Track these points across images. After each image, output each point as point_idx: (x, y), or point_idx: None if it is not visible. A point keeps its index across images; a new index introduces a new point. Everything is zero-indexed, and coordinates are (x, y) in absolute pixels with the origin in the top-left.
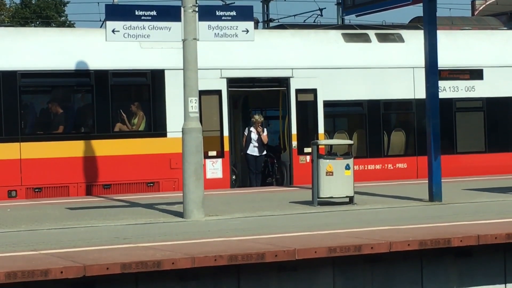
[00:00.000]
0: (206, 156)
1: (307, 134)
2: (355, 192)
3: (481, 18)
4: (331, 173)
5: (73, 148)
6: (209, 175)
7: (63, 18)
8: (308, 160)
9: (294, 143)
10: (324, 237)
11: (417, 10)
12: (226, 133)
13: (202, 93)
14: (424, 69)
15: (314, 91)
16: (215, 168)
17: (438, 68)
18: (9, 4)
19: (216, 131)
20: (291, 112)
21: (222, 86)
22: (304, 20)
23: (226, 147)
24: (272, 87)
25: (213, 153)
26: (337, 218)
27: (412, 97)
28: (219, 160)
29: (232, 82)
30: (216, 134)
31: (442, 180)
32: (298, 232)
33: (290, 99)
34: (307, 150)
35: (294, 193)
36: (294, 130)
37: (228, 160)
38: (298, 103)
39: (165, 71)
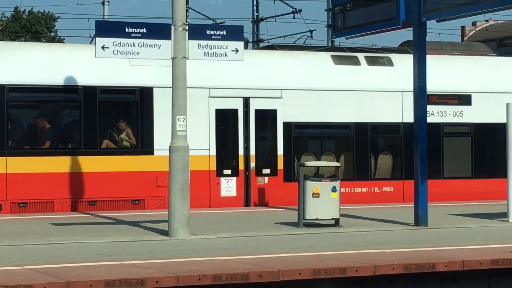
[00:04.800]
0: (221, 175)
1: (265, 155)
2: (341, 215)
3: (471, 43)
4: (317, 195)
5: (60, 164)
6: (223, 193)
7: (53, 33)
8: (265, 182)
9: (252, 164)
10: (309, 259)
11: (407, 34)
12: (241, 152)
13: (219, 112)
14: (412, 93)
15: (301, 112)
16: (229, 187)
17: (427, 93)
18: None
19: (231, 150)
20: (278, 133)
21: (239, 106)
22: (294, 42)
23: (241, 166)
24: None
25: (228, 171)
26: (322, 240)
27: (400, 121)
28: (234, 179)
29: (246, 101)
30: (232, 153)
31: (428, 205)
32: (283, 253)
33: (277, 120)
34: (265, 171)
35: (280, 214)
36: (253, 151)
37: (244, 178)
38: (284, 124)
39: (154, 89)
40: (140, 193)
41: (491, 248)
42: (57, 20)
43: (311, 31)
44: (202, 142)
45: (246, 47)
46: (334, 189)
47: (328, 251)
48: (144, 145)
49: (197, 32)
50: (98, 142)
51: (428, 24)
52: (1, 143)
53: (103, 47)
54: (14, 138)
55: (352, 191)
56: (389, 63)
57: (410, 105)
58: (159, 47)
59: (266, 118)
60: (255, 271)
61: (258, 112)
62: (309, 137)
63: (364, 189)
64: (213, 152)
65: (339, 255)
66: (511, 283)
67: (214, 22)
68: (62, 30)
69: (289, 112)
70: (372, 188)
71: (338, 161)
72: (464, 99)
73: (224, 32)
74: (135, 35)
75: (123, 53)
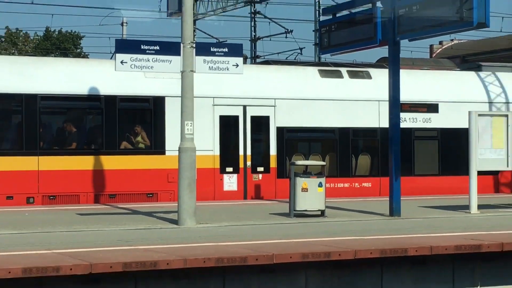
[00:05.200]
0: (224, 172)
1: (260, 155)
2: (326, 207)
3: (438, 60)
4: (306, 190)
5: (84, 162)
6: (226, 188)
7: (78, 50)
8: (260, 178)
9: (249, 163)
10: (298, 245)
11: (383, 51)
12: (241, 152)
13: (222, 118)
14: (388, 102)
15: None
16: (231, 182)
17: (400, 102)
18: (33, 37)
19: (233, 151)
20: (271, 136)
21: (239, 112)
22: (286, 57)
23: (241, 164)
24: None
25: (230, 169)
26: (310, 228)
27: (377, 126)
28: (235, 175)
29: (245, 108)
30: (233, 153)
31: (401, 198)
32: (276, 239)
33: (271, 125)
34: (260, 169)
35: (274, 206)
36: (249, 152)
37: (243, 175)
38: (277, 128)
39: (165, 98)
40: (153, 187)
41: (455, 236)
42: (82, 38)
43: (300, 49)
44: (208, 144)
45: (245, 62)
46: (320, 185)
47: (315, 238)
48: (157, 146)
49: (202, 49)
50: (117, 144)
51: (401, 43)
52: (34, 145)
53: (122, 62)
54: (45, 140)
55: (336, 186)
56: (368, 76)
57: (385, 113)
58: (170, 62)
59: (262, 123)
60: (252, 255)
61: (255, 118)
62: (299, 140)
63: (346, 185)
64: (217, 152)
65: (324, 241)
66: (473, 266)
67: (217, 41)
68: (86, 47)
69: (281, 118)
70: (353, 183)
71: (324, 160)
72: (432, 108)
73: (226, 49)
74: (149, 51)
75: (139, 67)
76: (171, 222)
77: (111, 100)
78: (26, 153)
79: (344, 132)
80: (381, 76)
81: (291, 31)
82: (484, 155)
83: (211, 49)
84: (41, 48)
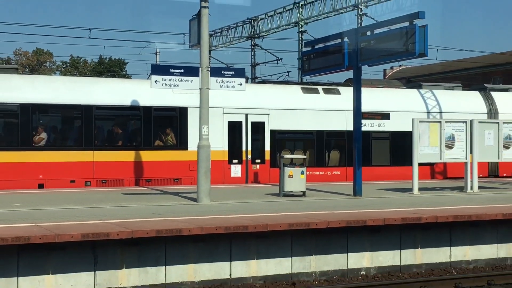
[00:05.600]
0: (231, 163)
1: (258, 150)
2: (307, 189)
3: (390, 80)
4: (291, 176)
5: (128, 155)
6: (232, 175)
7: (124, 72)
8: (258, 167)
9: (249, 156)
10: (286, 217)
11: (349, 74)
12: (244, 148)
13: (230, 123)
14: (352, 112)
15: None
16: (236, 170)
17: (361, 111)
18: (90, 62)
19: (238, 147)
20: (266, 136)
21: (243, 119)
22: (277, 78)
23: (244, 157)
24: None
25: (236, 160)
26: (294, 205)
27: (344, 129)
28: (239, 165)
29: (247, 116)
30: (238, 149)
31: (362, 183)
32: (269, 213)
33: (266, 128)
34: (257, 161)
35: (268, 188)
36: (250, 148)
37: (245, 165)
38: (271, 131)
39: (188, 108)
40: (178, 174)
41: (402, 211)
42: (126, 64)
43: (288, 72)
44: (219, 142)
45: (246, 81)
46: (302, 173)
47: (298, 212)
48: (182, 144)
49: (215, 72)
50: (152, 142)
51: (363, 67)
52: (91, 142)
53: (156, 81)
54: (99, 139)
55: (314, 174)
56: (338, 92)
57: (350, 120)
58: (192, 82)
59: (259, 127)
60: (251, 224)
61: (254, 123)
62: (287, 139)
63: (321, 173)
64: (226, 148)
65: (305, 214)
66: (414, 233)
67: (226, 66)
68: (130, 70)
69: (274, 123)
70: (327, 172)
71: (305, 154)
72: (385, 116)
73: (232, 72)
74: (176, 74)
75: (168, 85)
76: (191, 200)
77: (148, 109)
78: (85, 148)
79: (320, 134)
80: (347, 92)
81: (281, 59)
82: (424, 151)
83: (222, 72)
84: (96, 71)
